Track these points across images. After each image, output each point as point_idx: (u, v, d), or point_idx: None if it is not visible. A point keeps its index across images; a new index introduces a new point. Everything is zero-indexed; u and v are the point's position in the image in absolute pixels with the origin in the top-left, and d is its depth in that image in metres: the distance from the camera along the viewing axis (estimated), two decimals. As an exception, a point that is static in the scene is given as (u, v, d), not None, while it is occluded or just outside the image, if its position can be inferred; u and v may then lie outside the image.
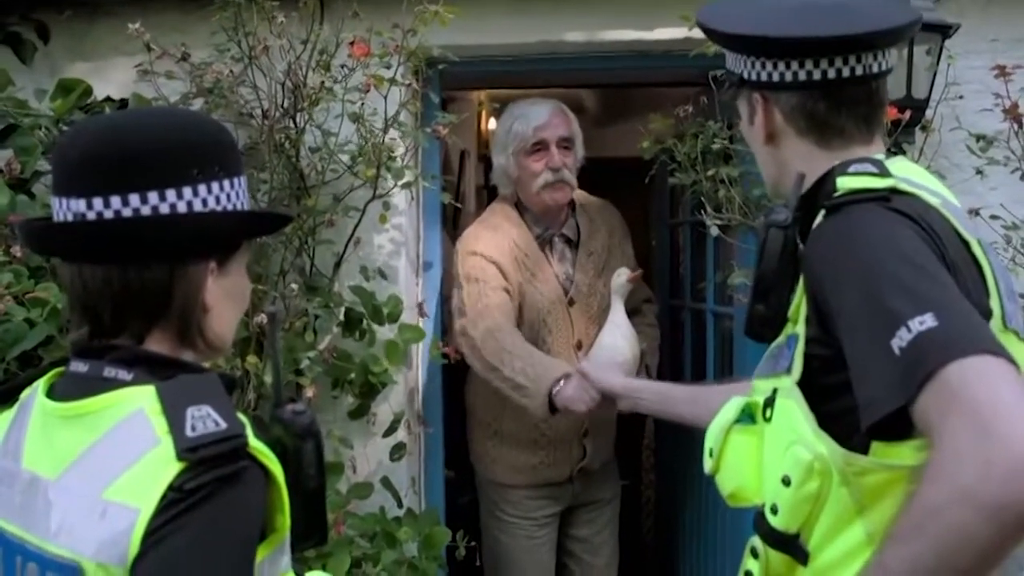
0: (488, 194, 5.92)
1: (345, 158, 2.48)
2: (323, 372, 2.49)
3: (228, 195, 1.11)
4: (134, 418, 1.02)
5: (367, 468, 2.69)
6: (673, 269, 3.42)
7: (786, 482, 1.21)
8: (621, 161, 3.72)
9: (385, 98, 2.42)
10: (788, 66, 1.30)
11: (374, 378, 2.57)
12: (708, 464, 1.36)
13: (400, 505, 2.61)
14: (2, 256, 2.24)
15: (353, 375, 2.56)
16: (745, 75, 1.36)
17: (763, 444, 1.28)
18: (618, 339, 2.55)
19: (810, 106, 1.31)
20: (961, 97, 2.42)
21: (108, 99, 2.53)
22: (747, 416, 1.32)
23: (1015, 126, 2.31)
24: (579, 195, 2.84)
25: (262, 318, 2.19)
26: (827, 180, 1.26)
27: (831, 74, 1.29)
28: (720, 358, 3.02)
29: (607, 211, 2.87)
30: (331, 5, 2.42)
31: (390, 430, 2.62)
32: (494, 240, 2.68)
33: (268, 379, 2.28)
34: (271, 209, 1.26)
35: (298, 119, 2.45)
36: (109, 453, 1.01)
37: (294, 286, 2.40)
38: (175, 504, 0.96)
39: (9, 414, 1.16)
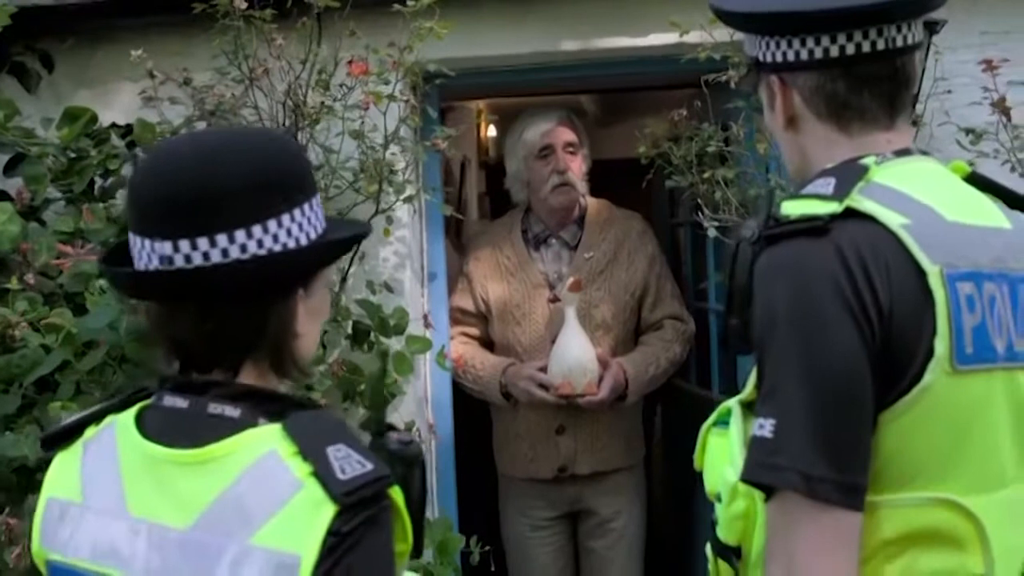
0: (491, 201, 5.98)
1: (347, 175, 2.51)
2: (333, 385, 2.53)
3: (309, 219, 1.09)
4: (267, 461, 1.01)
5: (380, 478, 2.72)
6: (676, 270, 3.45)
7: (718, 499, 1.26)
8: (623, 162, 3.74)
9: (384, 114, 2.46)
10: (803, 43, 1.23)
11: (383, 389, 2.61)
12: (696, 460, 1.38)
13: (413, 513, 2.64)
14: (16, 284, 2.29)
15: (363, 387, 2.58)
16: (760, 57, 1.29)
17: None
18: (567, 347, 2.68)
19: (829, 86, 1.24)
20: (950, 91, 2.45)
21: (113, 125, 2.58)
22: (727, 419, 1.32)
23: (1004, 119, 2.35)
24: (601, 205, 2.95)
25: None
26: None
27: (850, 50, 1.21)
28: (723, 357, 3.04)
29: (625, 222, 2.93)
30: (328, 25, 2.45)
31: (401, 439, 2.66)
32: (481, 250, 2.93)
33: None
34: (350, 223, 1.26)
35: (300, 138, 2.48)
36: (247, 499, 0.99)
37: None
38: (335, 549, 0.96)
39: (73, 453, 1.13)
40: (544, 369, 2.73)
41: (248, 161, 1.07)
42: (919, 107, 2.42)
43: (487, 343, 2.96)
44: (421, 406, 2.81)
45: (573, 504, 2.92)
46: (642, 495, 3.01)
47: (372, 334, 2.61)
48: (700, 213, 2.55)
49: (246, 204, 1.05)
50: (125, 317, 2.24)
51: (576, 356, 2.69)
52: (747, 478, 1.14)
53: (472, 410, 3.08)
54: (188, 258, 1.04)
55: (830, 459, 1.09)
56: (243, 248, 1.04)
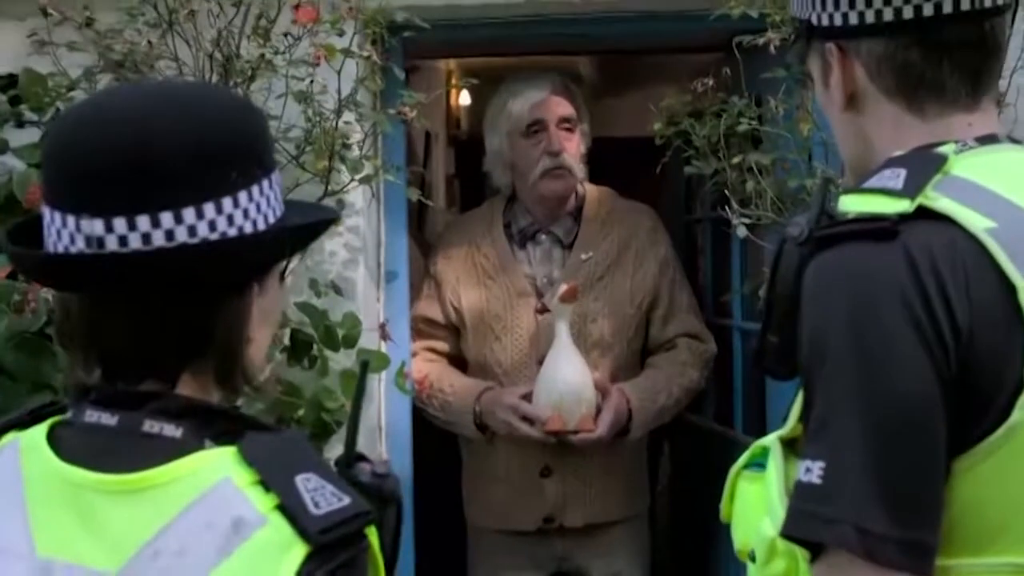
0: (461, 185, 5.97)
1: (290, 147, 2.49)
2: (265, 409, 2.49)
3: (268, 199, 1.10)
4: (220, 491, 1.01)
5: (320, 526, 2.70)
6: (692, 277, 3.44)
7: (752, 558, 1.27)
8: (629, 143, 3.76)
9: (338, 73, 2.44)
10: (869, 2, 1.23)
11: (327, 415, 2.58)
12: (723, 510, 1.38)
13: (361, 572, 2.62)
14: None
15: (302, 412, 2.57)
16: (814, 20, 1.29)
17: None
18: (557, 371, 2.69)
19: (900, 56, 1.24)
20: (1040, 65, 2.44)
21: (-6, 74, 2.56)
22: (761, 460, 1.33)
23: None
24: (602, 195, 2.97)
25: None
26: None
27: (927, 10, 1.21)
28: (749, 387, 3.05)
29: (632, 216, 2.95)
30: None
31: (348, 479, 2.63)
32: (453, 247, 2.96)
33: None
34: (313, 206, 1.31)
35: (230, 99, 2.46)
36: (195, 535, 1.00)
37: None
38: None
39: None
40: (529, 397, 2.73)
41: (201, 123, 1.08)
42: (1002, 83, 2.40)
43: (458, 361, 2.96)
44: (373, 437, 2.79)
45: (561, 563, 2.92)
46: (645, 553, 3.02)
47: (315, 346, 2.58)
48: (726, 207, 2.54)
49: (197, 176, 1.05)
50: (4, 318, 2.24)
51: (569, 382, 2.68)
52: (789, 533, 1.14)
53: (437, 444, 3.07)
54: (123, 240, 1.04)
55: (893, 511, 1.09)
56: (192, 230, 1.04)
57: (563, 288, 2.70)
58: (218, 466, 1.03)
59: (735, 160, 2.52)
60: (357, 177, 2.53)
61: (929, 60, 1.24)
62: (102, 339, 1.09)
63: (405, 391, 2.77)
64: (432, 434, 3.02)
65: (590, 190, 2.97)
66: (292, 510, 0.99)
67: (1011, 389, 1.11)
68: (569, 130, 2.88)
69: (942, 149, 1.22)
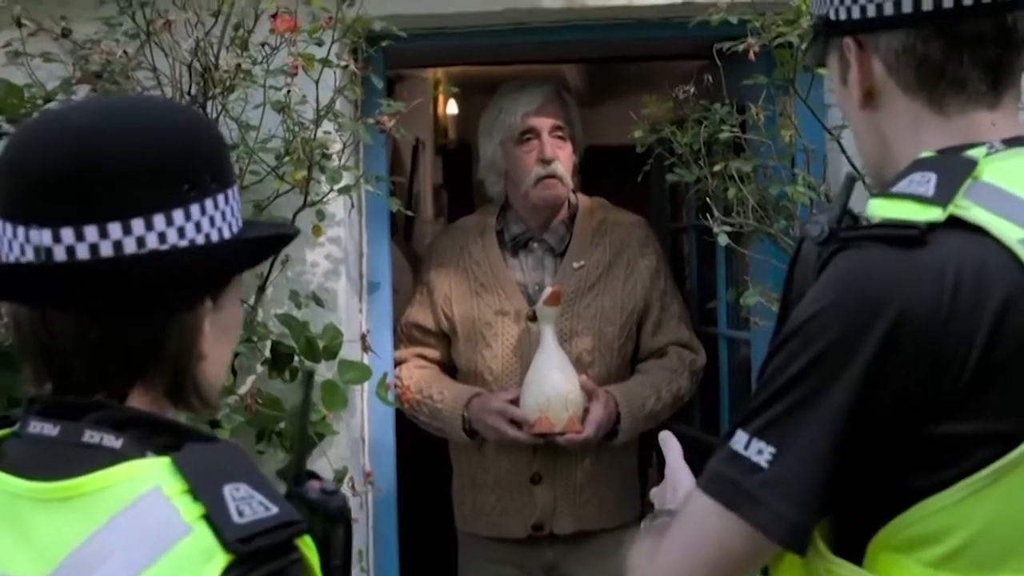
0: (448, 195, 5.96)
1: (268, 157, 2.49)
2: (246, 422, 2.50)
3: (223, 213, 1.10)
4: (148, 500, 1.00)
5: (302, 539, 2.69)
6: (677, 286, 3.44)
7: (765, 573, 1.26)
8: (613, 151, 3.75)
9: (317, 83, 2.44)
10: None
11: (309, 428, 2.57)
12: None
13: (344, 585, 2.60)
14: None
15: (283, 425, 2.57)
16: (832, 15, 1.26)
17: None
18: (543, 374, 2.69)
19: (920, 49, 1.21)
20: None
21: (-33, 88, 2.53)
22: None
23: None
24: (595, 204, 2.99)
25: None
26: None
27: (947, 1, 1.18)
28: (735, 393, 3.05)
29: (624, 227, 2.96)
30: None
31: (330, 492, 2.62)
32: (446, 254, 2.97)
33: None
34: (273, 224, 1.31)
35: (209, 109, 2.45)
36: (119, 545, 0.98)
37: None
38: None
39: None
40: (516, 401, 2.74)
41: (153, 136, 1.08)
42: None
43: (449, 368, 2.97)
44: (356, 449, 2.79)
45: (550, 570, 2.91)
46: None
47: (296, 358, 2.59)
48: (708, 215, 2.54)
49: (147, 188, 1.05)
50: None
51: (555, 385, 2.68)
52: (709, 490, 1.16)
53: (427, 451, 3.08)
54: (71, 251, 1.04)
55: (807, 506, 1.13)
56: (140, 242, 1.04)
57: (547, 292, 2.71)
58: (149, 476, 1.02)
59: (717, 167, 2.52)
60: (336, 187, 2.53)
61: (949, 54, 1.21)
62: (52, 352, 1.08)
63: (387, 402, 2.78)
64: (422, 441, 3.01)
65: (583, 200, 2.98)
66: (216, 520, 0.98)
67: None
68: (561, 139, 2.88)
69: (972, 153, 1.19)
